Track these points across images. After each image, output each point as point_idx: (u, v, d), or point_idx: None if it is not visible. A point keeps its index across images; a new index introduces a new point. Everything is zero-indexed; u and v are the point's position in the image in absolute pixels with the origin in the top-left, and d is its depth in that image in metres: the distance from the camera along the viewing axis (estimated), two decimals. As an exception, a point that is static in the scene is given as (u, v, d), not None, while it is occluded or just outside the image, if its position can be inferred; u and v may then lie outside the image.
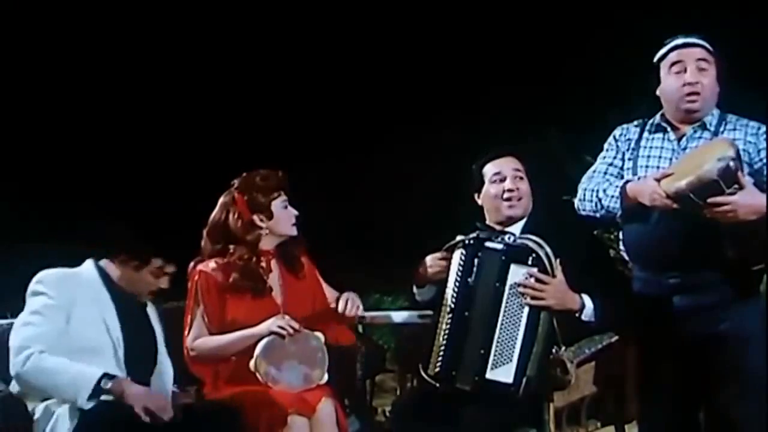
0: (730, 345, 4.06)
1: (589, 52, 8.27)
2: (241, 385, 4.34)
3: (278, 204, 4.50)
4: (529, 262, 4.15)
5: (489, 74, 8.96)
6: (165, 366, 4.32)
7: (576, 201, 4.34)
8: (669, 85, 4.25)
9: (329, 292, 4.64)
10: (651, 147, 4.28)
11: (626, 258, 4.36)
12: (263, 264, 4.50)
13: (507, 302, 4.14)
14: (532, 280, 4.13)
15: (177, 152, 9.11)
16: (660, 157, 4.25)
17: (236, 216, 4.48)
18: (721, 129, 4.25)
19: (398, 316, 5.13)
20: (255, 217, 4.48)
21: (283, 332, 4.33)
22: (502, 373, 4.11)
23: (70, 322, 4.06)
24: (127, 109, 9.33)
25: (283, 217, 4.51)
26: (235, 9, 9.31)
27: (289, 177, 4.59)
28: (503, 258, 4.18)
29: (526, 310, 4.14)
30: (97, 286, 4.19)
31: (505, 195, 4.35)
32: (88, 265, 4.25)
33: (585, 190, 4.29)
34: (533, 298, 4.13)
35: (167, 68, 9.29)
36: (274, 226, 4.51)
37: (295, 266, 4.58)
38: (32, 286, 4.13)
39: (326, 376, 4.39)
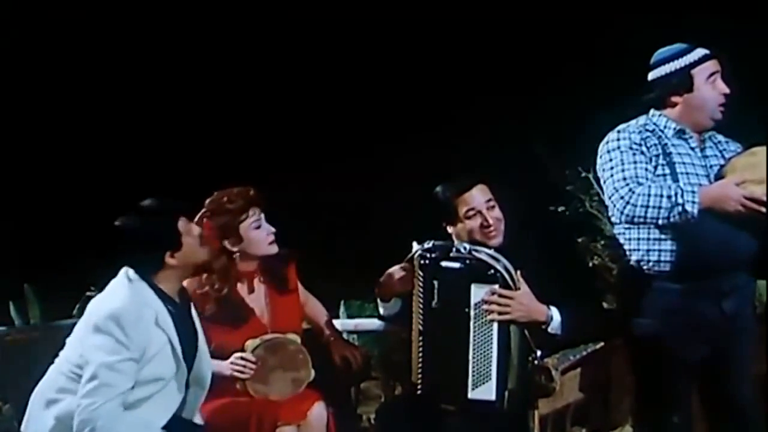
0: (748, 340, 4.25)
1: (578, 60, 8.27)
2: (228, 396, 4.32)
3: (248, 226, 4.37)
4: (489, 279, 4.10)
5: (476, 82, 8.96)
6: (204, 360, 4.13)
7: (627, 207, 4.14)
8: (707, 93, 4.25)
9: (306, 303, 4.61)
10: (680, 154, 4.25)
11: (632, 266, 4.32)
12: (244, 286, 4.43)
13: (475, 322, 4.10)
14: (496, 296, 4.09)
15: (159, 159, 9.08)
16: (693, 164, 4.24)
17: (204, 243, 4.37)
18: (715, 141, 4.35)
19: (382, 324, 5.09)
20: (225, 243, 4.37)
21: (243, 374, 4.28)
22: (484, 391, 4.09)
23: (141, 361, 3.88)
24: (121, 112, 9.31)
25: (255, 238, 4.38)
26: (227, 19, 9.30)
27: (269, 185, 4.51)
28: (462, 279, 4.12)
29: (495, 325, 4.10)
30: (157, 306, 3.96)
31: (484, 231, 4.27)
32: (138, 284, 3.97)
33: (647, 195, 4.10)
34: (499, 313, 4.09)
35: (159, 73, 9.27)
36: (246, 248, 4.39)
37: (282, 282, 4.50)
38: (106, 323, 3.85)
39: (313, 373, 4.37)
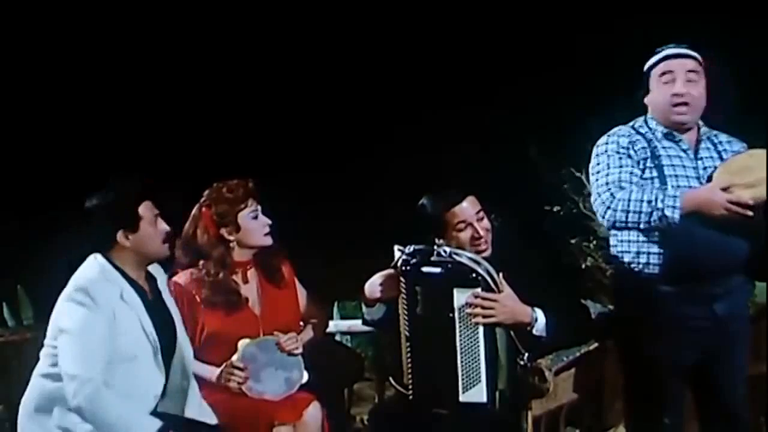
0: (742, 343, 4.23)
1: (570, 62, 8.29)
2: (225, 394, 4.34)
3: (246, 215, 4.43)
4: (471, 283, 4.07)
5: (469, 84, 8.97)
6: (185, 351, 4.19)
7: (608, 212, 4.15)
8: (658, 95, 4.24)
9: (303, 302, 4.63)
10: (670, 156, 4.22)
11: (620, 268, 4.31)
12: (238, 276, 4.47)
13: (460, 326, 4.06)
14: (479, 300, 4.06)
15: (156, 159, 9.09)
16: (683, 166, 4.20)
17: (203, 231, 4.44)
18: (716, 141, 4.30)
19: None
20: (223, 231, 4.43)
21: (230, 383, 4.32)
22: (475, 394, 4.06)
23: (114, 330, 3.94)
24: (122, 110, 9.32)
25: (252, 228, 4.45)
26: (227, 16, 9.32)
27: (269, 183, 4.55)
28: (444, 284, 4.09)
29: (481, 329, 4.06)
30: (123, 284, 4.04)
31: (475, 243, 4.23)
32: (103, 262, 4.06)
33: (627, 200, 4.10)
34: (483, 317, 4.06)
35: (157, 71, 9.29)
36: (242, 238, 4.44)
37: (275, 276, 4.54)
38: (74, 294, 3.97)
39: (306, 375, 4.39)
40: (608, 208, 4.14)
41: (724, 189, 4.03)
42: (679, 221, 4.05)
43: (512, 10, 8.69)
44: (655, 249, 4.18)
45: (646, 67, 4.29)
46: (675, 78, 4.20)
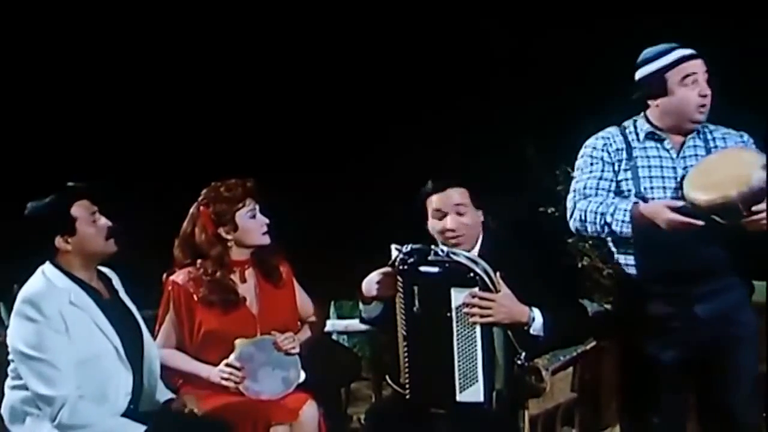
0: (741, 345, 4.19)
1: (566, 61, 8.28)
2: (221, 393, 4.36)
3: (244, 214, 4.45)
4: (468, 283, 4.06)
5: (465, 83, 8.97)
6: (152, 350, 4.21)
7: (571, 221, 4.24)
8: (682, 96, 4.19)
9: (301, 302, 4.64)
10: (648, 157, 4.22)
11: (619, 269, 4.32)
12: (236, 275, 4.49)
13: (457, 326, 4.05)
14: (476, 299, 4.05)
15: (155, 158, 9.09)
16: (661, 167, 4.20)
17: (200, 230, 4.45)
18: (710, 138, 4.27)
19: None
20: (221, 230, 4.45)
21: (228, 382, 4.34)
22: (472, 393, 4.06)
23: (69, 336, 3.92)
24: (121, 110, 9.31)
25: (249, 228, 4.47)
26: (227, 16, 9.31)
27: (266, 182, 4.56)
28: (441, 283, 4.08)
29: (478, 328, 4.06)
30: (71, 287, 4.01)
31: (446, 234, 4.23)
32: (50, 269, 4.05)
33: (584, 211, 4.17)
34: (481, 316, 4.05)
35: (156, 70, 9.28)
36: (240, 237, 4.47)
37: (273, 275, 4.56)
38: (21, 307, 3.95)
39: (303, 374, 4.39)
40: (570, 217, 4.25)
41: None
42: (642, 230, 4.06)
43: (511, 11, 8.68)
44: (630, 250, 4.21)
45: (656, 67, 4.23)
46: (697, 79, 4.19)
